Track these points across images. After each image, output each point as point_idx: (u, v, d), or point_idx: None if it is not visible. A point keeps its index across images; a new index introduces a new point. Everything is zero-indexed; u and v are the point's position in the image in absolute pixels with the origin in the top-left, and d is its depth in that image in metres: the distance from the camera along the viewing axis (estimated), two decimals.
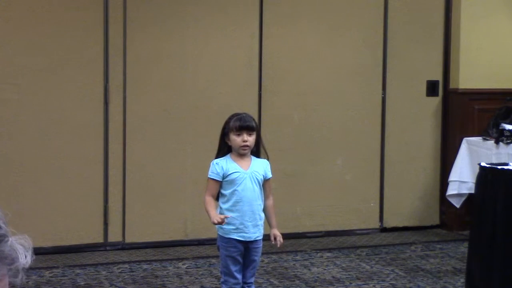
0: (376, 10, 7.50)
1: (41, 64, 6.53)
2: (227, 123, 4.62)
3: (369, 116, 7.53)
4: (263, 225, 4.65)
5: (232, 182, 4.54)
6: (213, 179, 4.56)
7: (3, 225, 1.54)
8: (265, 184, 4.65)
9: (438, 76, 7.74)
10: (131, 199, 6.83)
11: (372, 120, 7.55)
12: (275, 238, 4.64)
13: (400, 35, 7.57)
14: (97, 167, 6.73)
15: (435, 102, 7.74)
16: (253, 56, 7.14)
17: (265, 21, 7.16)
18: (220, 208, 4.61)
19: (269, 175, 4.67)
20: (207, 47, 7.00)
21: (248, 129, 4.55)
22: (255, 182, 4.57)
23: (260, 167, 4.61)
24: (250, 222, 4.55)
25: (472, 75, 7.64)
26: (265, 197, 4.66)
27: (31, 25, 6.50)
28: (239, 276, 4.60)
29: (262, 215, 4.64)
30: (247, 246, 4.60)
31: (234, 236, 4.55)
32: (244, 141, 4.54)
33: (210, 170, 4.59)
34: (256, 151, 4.65)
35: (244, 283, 4.64)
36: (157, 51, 6.85)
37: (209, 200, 4.56)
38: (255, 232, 4.58)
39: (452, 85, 7.71)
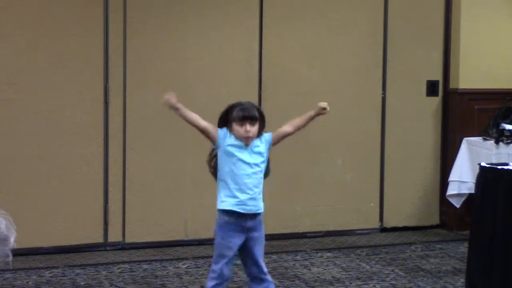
0: (376, 10, 7.50)
1: (41, 64, 6.53)
2: (229, 111, 4.61)
3: (369, 116, 7.53)
4: (261, 198, 4.61)
5: (230, 154, 4.52)
6: (216, 127, 4.57)
7: None
8: (276, 137, 4.65)
9: (438, 76, 7.74)
10: (131, 199, 6.83)
11: (372, 120, 7.55)
12: (323, 108, 4.69)
13: (400, 35, 7.57)
14: (97, 167, 6.73)
15: (435, 102, 7.74)
16: (253, 56, 7.14)
17: (265, 21, 7.16)
18: (220, 180, 4.56)
19: (268, 135, 4.63)
20: (207, 47, 7.00)
21: (252, 119, 4.55)
22: (254, 155, 4.55)
23: (259, 145, 4.59)
24: (248, 194, 4.52)
25: (472, 75, 7.64)
26: (285, 132, 4.71)
27: (31, 25, 6.50)
28: (226, 270, 4.56)
29: (261, 187, 4.60)
30: (247, 237, 4.55)
31: (236, 209, 4.51)
32: (247, 132, 4.53)
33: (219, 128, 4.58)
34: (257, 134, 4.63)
35: (262, 273, 4.60)
36: (157, 51, 6.85)
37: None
38: (254, 204, 4.55)
39: (452, 85, 7.71)
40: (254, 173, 4.55)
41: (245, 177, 4.52)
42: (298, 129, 4.82)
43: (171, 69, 6.90)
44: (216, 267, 4.55)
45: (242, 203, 4.51)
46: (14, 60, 6.48)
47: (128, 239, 6.87)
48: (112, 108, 6.75)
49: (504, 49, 7.72)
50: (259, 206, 4.58)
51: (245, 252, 4.62)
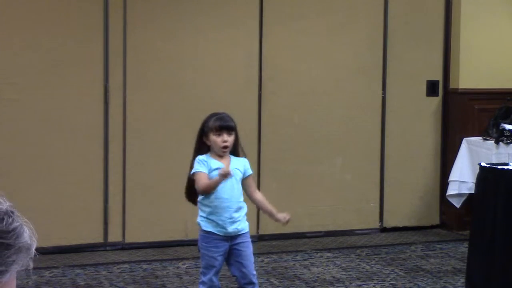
0: (376, 10, 7.50)
1: (41, 64, 6.53)
2: (206, 122, 4.61)
3: (369, 116, 7.53)
4: (244, 219, 4.61)
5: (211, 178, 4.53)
6: (201, 172, 4.54)
7: (15, 212, 1.55)
8: (247, 181, 4.64)
9: (438, 76, 7.74)
10: (131, 199, 6.83)
11: (372, 120, 7.55)
12: (284, 218, 4.62)
13: (400, 35, 7.57)
14: (97, 167, 6.73)
15: (435, 102, 7.74)
16: (253, 56, 7.14)
17: (265, 21, 7.16)
18: (200, 203, 4.59)
19: (249, 172, 4.66)
20: (207, 47, 7.00)
21: (228, 129, 4.54)
22: (235, 179, 4.55)
23: (240, 164, 4.61)
24: (229, 219, 4.53)
25: (472, 75, 7.64)
26: (252, 192, 4.66)
27: (31, 25, 6.50)
28: (216, 279, 4.58)
29: (243, 209, 4.61)
30: (231, 245, 4.56)
31: (214, 231, 4.53)
32: (224, 142, 4.52)
33: (197, 166, 4.55)
34: (234, 151, 4.63)
35: (250, 283, 4.61)
36: (157, 51, 6.85)
37: (204, 182, 4.53)
38: (235, 228, 4.56)
39: (452, 85, 7.71)
40: (234, 195, 4.56)
41: (225, 201, 4.53)
42: (256, 205, 4.75)
43: (171, 69, 6.90)
44: (205, 278, 4.57)
45: (221, 226, 4.54)
46: (14, 60, 6.48)
47: (128, 239, 6.87)
48: (112, 108, 6.75)
49: (504, 49, 7.72)
50: (240, 227, 4.58)
51: (229, 259, 4.62)
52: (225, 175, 4.39)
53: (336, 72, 7.40)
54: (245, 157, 4.71)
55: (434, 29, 7.70)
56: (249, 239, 4.65)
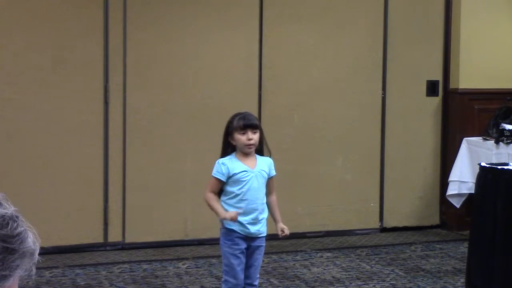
0: (376, 10, 7.50)
1: (41, 64, 6.53)
2: (230, 122, 4.63)
3: (369, 116, 7.53)
4: (265, 222, 4.66)
5: (238, 181, 4.55)
6: (217, 178, 4.57)
7: (19, 217, 1.56)
8: (268, 181, 4.67)
9: (438, 76, 7.74)
10: (131, 199, 6.83)
11: (372, 119, 7.55)
12: (282, 231, 4.67)
13: (400, 35, 7.57)
14: (97, 167, 6.73)
15: (435, 102, 7.74)
16: (253, 56, 7.14)
17: (265, 21, 7.16)
18: (225, 203, 4.61)
19: (273, 173, 4.70)
20: (207, 47, 7.00)
21: (252, 127, 4.57)
22: (261, 180, 4.59)
23: (265, 165, 4.65)
24: (253, 220, 4.57)
25: (472, 75, 7.64)
26: (268, 194, 4.69)
27: (31, 25, 6.50)
28: (241, 276, 4.60)
29: (266, 211, 4.65)
30: (249, 245, 4.60)
31: (237, 229, 4.56)
32: (249, 139, 4.54)
33: (215, 169, 4.59)
34: (260, 149, 4.67)
35: (250, 284, 4.64)
36: (157, 51, 6.85)
37: (212, 196, 4.58)
38: (257, 230, 4.60)
39: (452, 85, 7.71)
40: (260, 197, 4.61)
41: (251, 203, 4.58)
42: (267, 205, 4.76)
43: (171, 69, 6.90)
44: (228, 276, 4.61)
45: (244, 227, 4.58)
46: (14, 60, 6.48)
47: (128, 239, 6.87)
48: (112, 108, 6.75)
49: (504, 49, 7.72)
50: (262, 229, 4.65)
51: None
52: (228, 219, 4.46)
53: (336, 72, 7.40)
54: (270, 156, 4.73)
55: (434, 29, 7.70)
56: (264, 243, 4.69)
